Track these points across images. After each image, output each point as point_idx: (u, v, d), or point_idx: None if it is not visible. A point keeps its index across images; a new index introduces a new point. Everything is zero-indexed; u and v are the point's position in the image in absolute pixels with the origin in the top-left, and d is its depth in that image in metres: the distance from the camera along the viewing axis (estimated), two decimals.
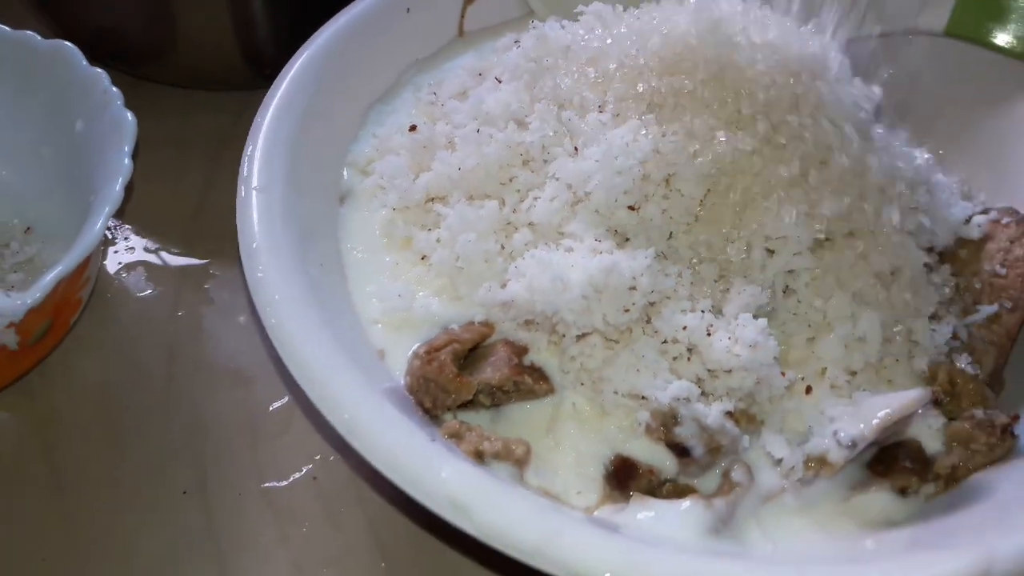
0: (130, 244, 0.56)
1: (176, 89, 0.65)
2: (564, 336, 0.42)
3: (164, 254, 0.56)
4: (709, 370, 0.39)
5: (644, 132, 0.44)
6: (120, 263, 0.55)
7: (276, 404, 0.49)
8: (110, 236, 0.57)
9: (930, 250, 0.47)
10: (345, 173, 0.51)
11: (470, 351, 0.43)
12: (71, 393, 0.48)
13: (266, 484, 0.46)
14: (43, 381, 0.49)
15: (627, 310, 0.41)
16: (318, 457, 0.47)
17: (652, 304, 0.42)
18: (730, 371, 0.38)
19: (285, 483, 0.46)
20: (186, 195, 0.59)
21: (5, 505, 0.45)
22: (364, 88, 0.55)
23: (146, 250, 0.56)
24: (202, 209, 0.59)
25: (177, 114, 0.64)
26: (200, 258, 0.56)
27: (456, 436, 0.39)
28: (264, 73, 0.61)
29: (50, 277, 0.41)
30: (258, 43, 0.59)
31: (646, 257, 0.41)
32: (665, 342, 0.41)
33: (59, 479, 0.45)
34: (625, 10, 0.51)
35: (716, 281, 0.42)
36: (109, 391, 0.49)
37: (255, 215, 0.44)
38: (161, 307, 0.53)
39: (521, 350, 0.43)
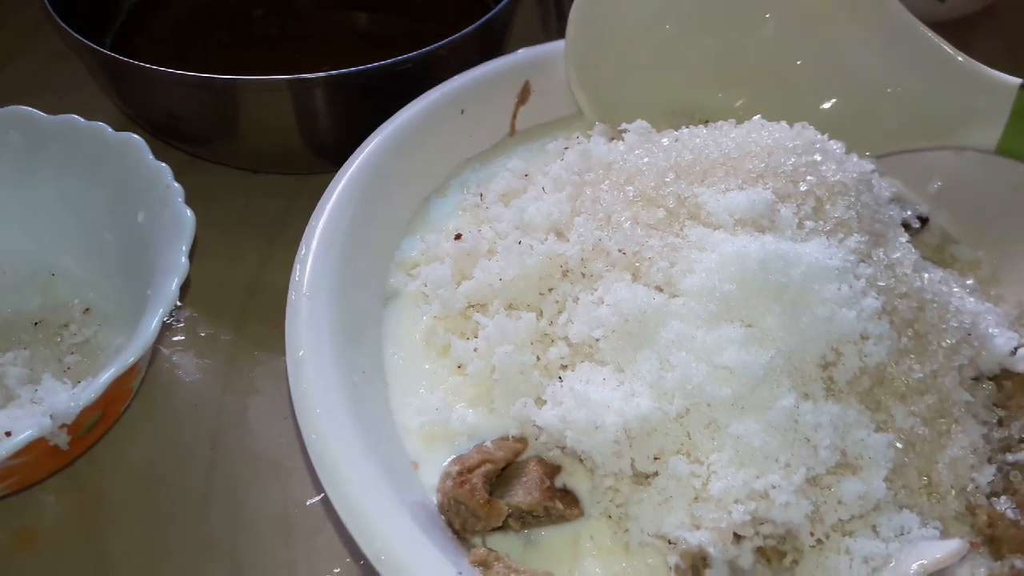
0: (183, 324, 0.58)
1: (233, 170, 0.67)
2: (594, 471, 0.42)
3: (215, 337, 0.58)
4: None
5: None
6: (174, 342, 0.57)
7: (312, 500, 0.50)
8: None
9: (976, 380, 0.47)
10: (392, 273, 0.53)
11: (503, 468, 0.43)
12: (117, 478, 0.50)
13: None
14: (90, 466, 0.50)
15: (656, 458, 0.41)
16: (348, 560, 0.47)
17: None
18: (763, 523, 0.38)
19: None
20: (241, 275, 0.61)
21: None
22: (416, 187, 0.56)
23: (199, 332, 0.58)
24: (256, 290, 0.60)
25: (235, 195, 0.66)
26: (250, 343, 0.57)
27: (483, 565, 0.39)
28: (319, 159, 0.64)
29: (104, 378, 0.42)
30: (317, 134, 0.62)
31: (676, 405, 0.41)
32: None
33: (100, 564, 0.47)
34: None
35: None
36: (154, 477, 0.50)
37: (303, 323, 0.45)
38: (208, 393, 0.55)
39: (554, 470, 0.43)
